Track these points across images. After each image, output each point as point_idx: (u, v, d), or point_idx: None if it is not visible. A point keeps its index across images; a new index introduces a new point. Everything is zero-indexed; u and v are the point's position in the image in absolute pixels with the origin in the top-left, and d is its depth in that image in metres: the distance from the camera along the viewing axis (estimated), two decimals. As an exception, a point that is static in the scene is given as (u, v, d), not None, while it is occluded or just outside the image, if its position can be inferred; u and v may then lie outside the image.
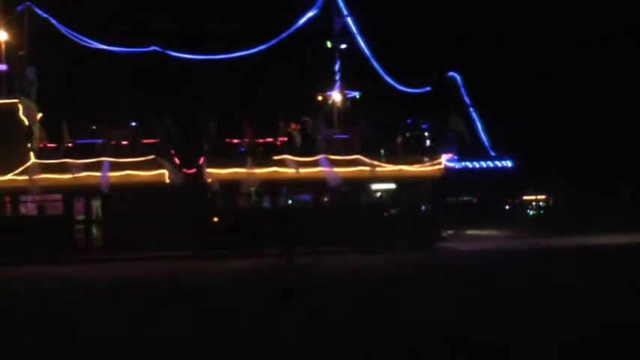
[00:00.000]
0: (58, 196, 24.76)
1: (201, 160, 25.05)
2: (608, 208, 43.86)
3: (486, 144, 26.62)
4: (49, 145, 25.47)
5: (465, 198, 44.70)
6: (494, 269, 18.68)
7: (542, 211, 52.82)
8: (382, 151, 25.39)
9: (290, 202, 26.17)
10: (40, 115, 26.45)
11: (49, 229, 24.13)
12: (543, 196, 54.98)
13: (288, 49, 26.57)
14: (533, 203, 55.01)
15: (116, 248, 24.35)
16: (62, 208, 24.76)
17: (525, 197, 53.96)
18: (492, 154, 26.60)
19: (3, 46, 26.06)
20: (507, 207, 52.84)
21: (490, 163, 26.55)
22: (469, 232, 32.53)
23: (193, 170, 24.93)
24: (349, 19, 26.26)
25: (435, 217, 25.75)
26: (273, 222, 23.74)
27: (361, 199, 25.66)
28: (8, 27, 25.40)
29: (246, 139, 24.79)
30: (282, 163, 24.71)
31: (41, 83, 25.87)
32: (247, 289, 15.79)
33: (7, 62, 25.35)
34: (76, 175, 23.72)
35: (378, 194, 26.03)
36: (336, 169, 24.70)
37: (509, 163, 26.60)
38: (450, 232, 27.22)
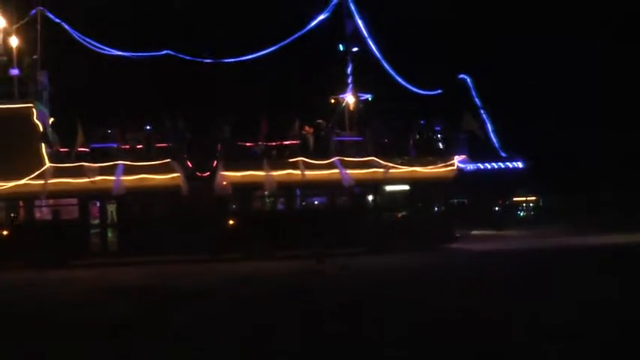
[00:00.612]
0: (73, 200, 24.76)
1: (214, 163, 25.18)
2: (594, 210, 44.61)
3: (497, 145, 26.86)
4: (62, 149, 25.50)
5: (456, 200, 45.12)
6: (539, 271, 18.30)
7: (532, 212, 53.14)
8: (395, 152, 25.61)
9: (314, 203, 26.29)
10: (51, 119, 26.52)
11: (64, 234, 24.11)
12: (533, 198, 55.31)
13: (301, 53, 26.67)
14: (524, 204, 55.29)
15: (131, 252, 24.38)
16: (77, 213, 24.76)
17: (515, 198, 54.27)
18: (503, 155, 26.86)
19: (15, 50, 26.12)
20: (497, 208, 53.18)
21: (501, 165, 26.82)
22: (474, 232, 32.78)
23: (207, 174, 25.02)
24: (360, 22, 26.35)
25: (448, 218, 25.97)
26: (296, 224, 23.88)
27: (375, 200, 25.81)
28: (21, 32, 25.39)
29: (261, 142, 24.88)
30: (296, 166, 24.85)
31: (54, 88, 25.82)
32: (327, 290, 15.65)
33: (19, 67, 25.36)
34: (92, 180, 23.70)
35: (392, 196, 26.15)
36: (350, 171, 24.88)
37: (520, 164, 26.87)
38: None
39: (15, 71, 25.65)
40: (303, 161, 24.91)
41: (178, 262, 23.58)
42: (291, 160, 24.68)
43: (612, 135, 45.14)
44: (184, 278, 18.85)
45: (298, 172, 24.83)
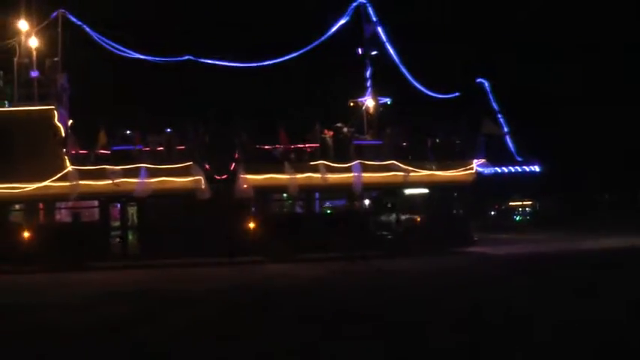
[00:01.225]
0: (93, 203, 24.80)
1: (232, 166, 25.28)
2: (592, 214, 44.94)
3: (513, 149, 27.04)
4: (81, 151, 25.53)
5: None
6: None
7: (528, 217, 53.47)
8: (414, 156, 25.75)
9: (333, 206, 26.40)
10: (70, 121, 26.55)
11: (85, 236, 24.14)
12: (529, 202, 55.62)
13: (320, 57, 26.80)
14: (520, 209, 55.61)
15: (152, 254, 24.42)
16: (98, 215, 24.80)
17: (511, 203, 54.62)
18: (519, 159, 27.03)
19: (34, 52, 26.18)
20: (493, 212, 53.50)
21: (518, 168, 27.01)
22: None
23: (225, 176, 25.09)
24: (378, 27, 26.50)
25: (466, 221, 26.11)
26: (316, 227, 24.02)
27: (393, 203, 25.91)
28: (41, 34, 25.45)
29: (281, 145, 24.99)
30: (316, 169, 24.96)
31: (74, 90, 25.87)
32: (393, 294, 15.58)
33: (39, 69, 25.42)
34: (115, 182, 23.74)
35: (411, 199, 26.25)
36: (369, 175, 25.00)
37: (536, 168, 27.06)
38: None
39: (35, 73, 25.75)
40: (322, 165, 25.04)
41: (201, 264, 23.69)
42: (312, 163, 24.75)
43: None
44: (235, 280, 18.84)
45: (318, 175, 24.95)
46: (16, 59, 25.81)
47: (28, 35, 25.78)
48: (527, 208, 55.94)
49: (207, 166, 24.63)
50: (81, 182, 24.08)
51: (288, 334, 11.04)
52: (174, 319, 12.89)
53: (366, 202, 26.06)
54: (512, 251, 25.65)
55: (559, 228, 37.53)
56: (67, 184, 23.93)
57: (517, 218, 53.16)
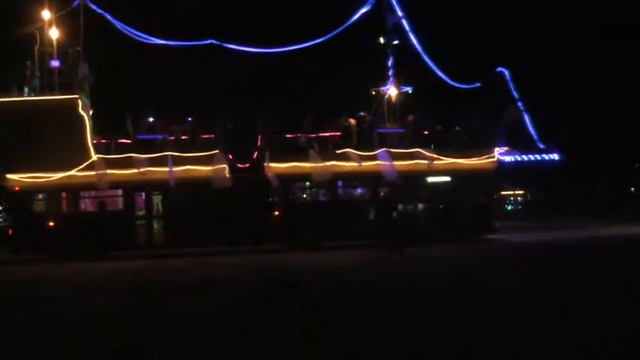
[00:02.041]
0: (117, 192, 24.75)
1: (255, 154, 25.30)
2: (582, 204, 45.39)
3: (534, 137, 27.22)
4: (102, 140, 25.45)
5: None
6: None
7: (520, 207, 53.84)
8: (432, 144, 25.86)
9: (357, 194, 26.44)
10: (91, 111, 26.42)
11: (110, 225, 24.09)
12: (521, 192, 56.00)
13: (342, 45, 26.81)
14: (512, 198, 56.00)
15: (177, 243, 24.42)
16: (122, 204, 24.75)
17: (503, 192, 55.03)
18: (540, 147, 27.21)
19: (55, 42, 26.05)
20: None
21: (538, 157, 27.19)
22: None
23: (247, 165, 25.10)
24: (401, 15, 26.55)
25: (489, 209, 26.27)
26: (341, 215, 24.21)
27: (417, 191, 26.00)
28: (63, 23, 25.32)
29: (306, 133, 25.02)
30: (341, 157, 25.01)
31: (95, 78, 25.73)
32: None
33: (60, 58, 25.30)
34: (142, 170, 23.69)
35: (434, 187, 26.36)
36: (395, 163, 25.09)
37: (556, 156, 27.25)
38: None
39: (56, 63, 25.64)
40: (352, 152, 25.12)
41: (226, 253, 23.73)
42: (339, 151, 24.82)
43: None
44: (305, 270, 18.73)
45: (343, 163, 25.04)
46: (37, 48, 25.74)
47: (49, 24, 25.68)
48: (518, 198, 56.39)
49: (230, 155, 24.62)
50: (107, 171, 24.05)
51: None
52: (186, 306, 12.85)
53: (390, 190, 26.00)
54: (531, 239, 25.87)
55: (553, 217, 37.90)
56: (94, 173, 23.86)
57: (509, 207, 53.54)
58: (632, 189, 57.00)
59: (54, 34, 25.83)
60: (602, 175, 52.76)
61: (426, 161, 25.24)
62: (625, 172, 53.56)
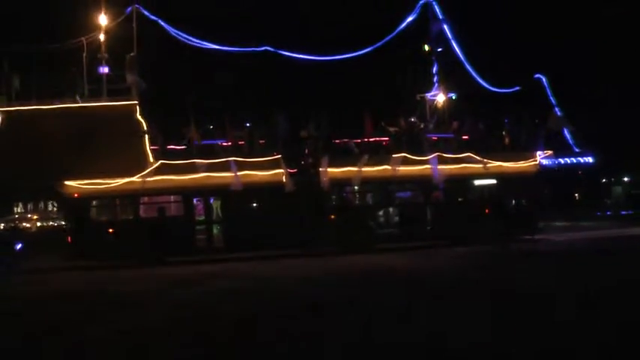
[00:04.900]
0: (177, 197, 24.86)
1: (309, 160, 25.80)
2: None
3: (570, 141, 28.32)
4: (153, 147, 25.50)
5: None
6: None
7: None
8: (484, 148, 26.66)
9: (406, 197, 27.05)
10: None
11: (169, 231, 24.18)
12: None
13: (389, 52, 27.46)
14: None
15: (237, 248, 24.69)
16: (182, 209, 24.86)
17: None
18: (576, 150, 28.33)
19: (103, 48, 26.03)
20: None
21: (574, 159, 28.30)
22: None
23: (302, 169, 25.54)
24: (444, 24, 27.37)
25: (532, 210, 27.20)
26: (390, 217, 25.35)
27: (464, 194, 26.78)
28: (118, 29, 25.34)
29: (364, 139, 25.60)
30: (395, 161, 25.63)
31: (149, 85, 25.79)
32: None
33: (115, 65, 25.33)
34: (204, 175, 23.91)
35: (479, 189, 27.17)
36: (444, 167, 25.83)
37: (590, 159, 28.41)
38: None
39: (104, 69, 25.66)
40: (396, 157, 25.76)
41: (287, 256, 24.07)
42: (395, 155, 25.45)
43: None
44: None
45: (395, 167, 25.65)
46: (84, 55, 25.71)
47: (100, 31, 25.66)
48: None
49: (287, 160, 24.98)
50: (167, 177, 24.19)
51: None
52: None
53: (437, 193, 26.72)
54: (574, 237, 26.96)
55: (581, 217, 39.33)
56: (155, 178, 23.95)
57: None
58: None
59: (103, 40, 25.85)
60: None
61: (475, 165, 26.04)
62: None
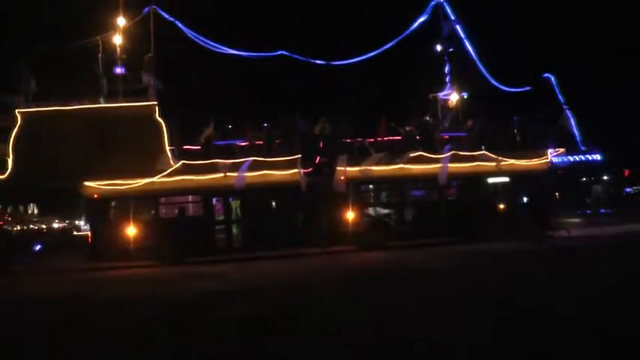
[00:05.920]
0: (197, 197, 24.98)
1: (318, 159, 26.03)
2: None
3: (578, 139, 28.85)
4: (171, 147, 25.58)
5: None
6: None
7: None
8: (497, 147, 27.03)
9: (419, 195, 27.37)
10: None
11: (189, 231, 24.30)
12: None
13: (402, 52, 27.79)
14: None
15: (256, 247, 24.85)
16: (201, 209, 24.97)
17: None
18: (582, 148, 28.86)
19: (118, 49, 26.14)
20: None
21: (582, 157, 28.83)
22: None
23: (310, 170, 25.74)
24: (457, 24, 27.75)
25: (547, 207, 27.61)
26: (406, 215, 25.72)
27: (478, 192, 27.15)
28: (133, 30, 25.45)
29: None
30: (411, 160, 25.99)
31: (165, 86, 25.92)
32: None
33: (126, 65, 25.43)
34: (226, 175, 24.05)
35: (492, 187, 27.57)
36: (458, 165, 26.21)
37: (598, 157, 28.96)
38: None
39: (120, 69, 25.77)
40: (409, 156, 26.12)
41: (308, 254, 24.28)
42: (412, 154, 25.76)
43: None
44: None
45: (409, 166, 26.01)
46: (100, 56, 25.81)
47: (116, 31, 25.76)
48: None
49: (304, 160, 25.20)
50: (186, 177, 24.31)
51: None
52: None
53: (451, 191, 27.08)
54: (592, 233, 27.40)
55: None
56: (175, 179, 24.06)
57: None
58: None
59: (118, 40, 25.97)
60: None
61: (489, 163, 26.43)
62: None
